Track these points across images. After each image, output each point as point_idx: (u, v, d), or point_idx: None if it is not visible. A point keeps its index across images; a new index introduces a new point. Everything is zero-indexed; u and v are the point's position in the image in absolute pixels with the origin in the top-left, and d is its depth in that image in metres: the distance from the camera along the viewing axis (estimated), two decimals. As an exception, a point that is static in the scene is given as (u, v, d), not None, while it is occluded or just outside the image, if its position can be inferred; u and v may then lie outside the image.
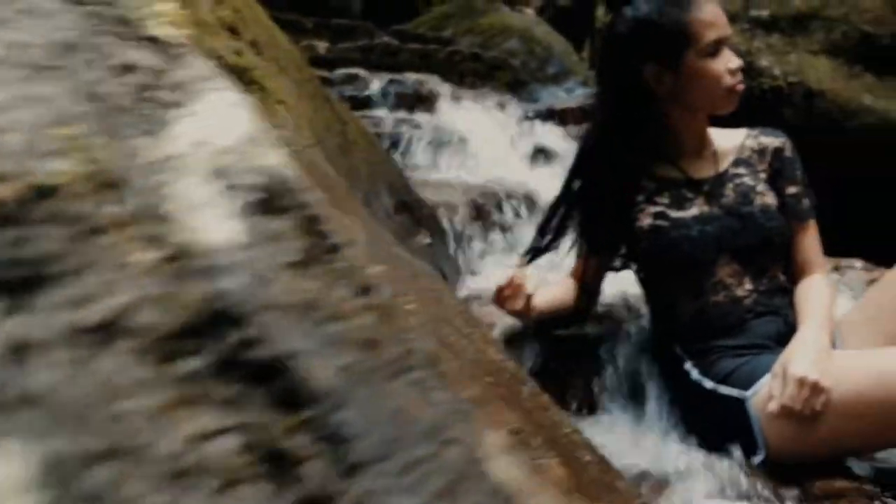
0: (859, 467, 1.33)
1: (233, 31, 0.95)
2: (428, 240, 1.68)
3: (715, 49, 1.40)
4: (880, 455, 1.35)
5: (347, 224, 0.56)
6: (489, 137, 2.69)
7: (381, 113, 2.80)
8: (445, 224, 1.93)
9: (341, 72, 3.16)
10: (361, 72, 3.17)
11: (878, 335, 1.36)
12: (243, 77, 0.87)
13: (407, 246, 1.58)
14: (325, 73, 3.02)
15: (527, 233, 2.05)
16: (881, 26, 3.57)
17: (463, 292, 1.72)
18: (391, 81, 3.06)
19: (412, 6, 6.60)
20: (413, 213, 1.70)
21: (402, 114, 2.77)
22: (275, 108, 0.91)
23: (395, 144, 2.49)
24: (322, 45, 3.71)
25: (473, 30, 4.66)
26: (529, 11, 5.85)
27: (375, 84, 3.02)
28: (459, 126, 2.66)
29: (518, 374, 0.65)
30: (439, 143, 2.54)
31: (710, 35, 1.40)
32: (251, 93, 0.82)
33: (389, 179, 1.64)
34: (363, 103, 2.86)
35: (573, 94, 3.96)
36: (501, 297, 1.47)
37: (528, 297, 1.45)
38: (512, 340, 1.54)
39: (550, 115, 3.24)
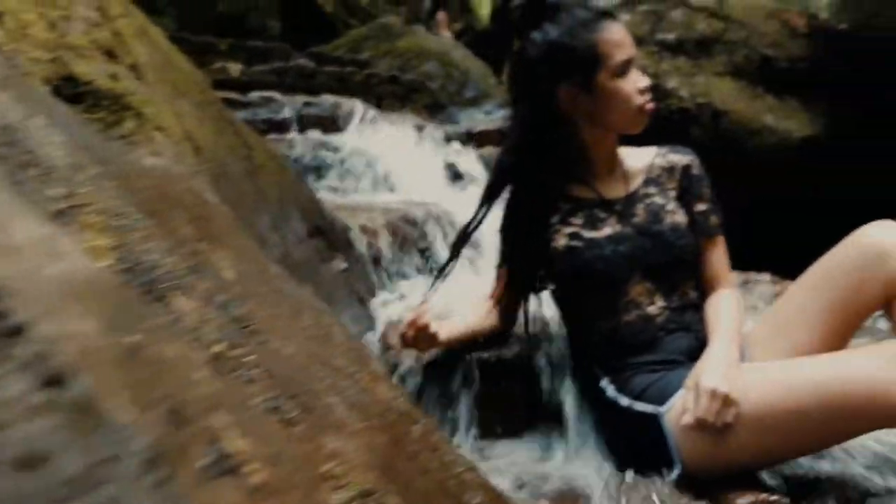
0: (771, 478, 1.36)
1: (110, 54, 0.89)
2: (344, 265, 1.64)
3: (624, 69, 1.43)
4: (791, 465, 1.38)
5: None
6: (407, 160, 2.68)
7: (296, 136, 2.75)
8: (363, 248, 1.90)
9: (255, 94, 3.10)
10: (276, 94, 3.11)
11: (784, 347, 1.40)
12: (117, 102, 0.81)
13: (320, 272, 1.54)
14: (237, 96, 2.95)
15: (445, 255, 2.04)
16: (779, 50, 3.77)
17: (382, 316, 1.69)
18: (307, 104, 3.02)
19: (332, 28, 6.58)
20: (328, 238, 1.66)
21: (318, 136, 2.73)
22: (152, 135, 0.85)
23: (310, 168, 2.44)
24: (236, 68, 3.64)
25: (391, 52, 4.67)
26: (447, 35, 5.92)
27: (290, 107, 2.97)
28: (377, 149, 2.64)
29: (409, 413, 0.61)
30: (356, 165, 2.51)
31: (620, 55, 1.42)
32: (124, 119, 0.76)
33: (301, 204, 1.60)
34: (278, 126, 2.81)
35: (492, 117, 4.01)
36: (406, 340, 1.45)
37: (434, 335, 1.44)
38: (430, 365, 1.51)
39: (469, 138, 3.26)
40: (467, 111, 4.10)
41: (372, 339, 1.56)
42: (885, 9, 3.72)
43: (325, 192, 2.33)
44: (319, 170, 2.46)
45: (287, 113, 2.91)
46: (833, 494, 1.30)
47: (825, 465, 1.39)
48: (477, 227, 1.55)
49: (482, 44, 5.82)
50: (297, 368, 0.48)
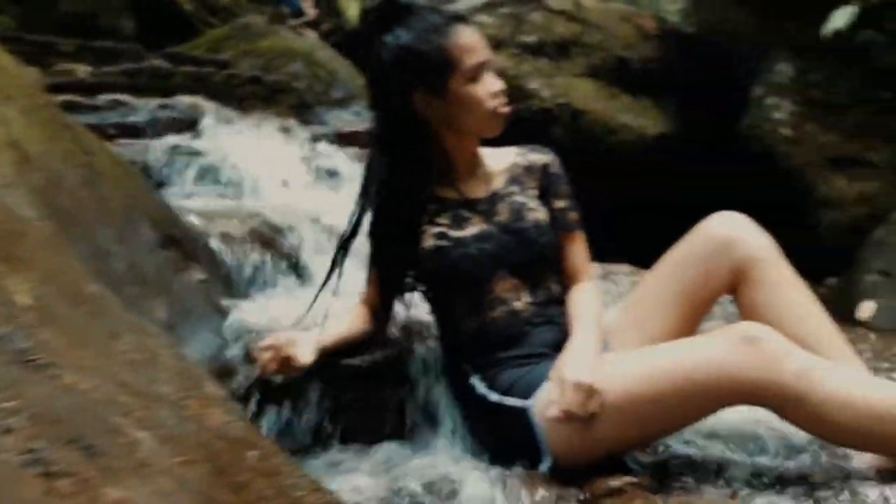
0: (636, 462, 1.41)
1: None
2: (201, 275, 1.56)
3: (477, 73, 1.43)
4: (654, 447, 1.44)
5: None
6: (272, 162, 2.59)
7: (149, 140, 2.59)
8: (224, 256, 1.81)
9: (104, 97, 2.90)
10: (128, 97, 2.93)
11: (641, 336, 1.45)
12: None
13: (174, 284, 1.45)
14: (84, 100, 2.76)
15: (314, 261, 1.99)
16: (633, 52, 3.96)
17: (243, 329, 1.61)
18: (161, 107, 2.87)
19: (191, 28, 6.30)
20: (183, 247, 1.57)
21: (173, 140, 2.59)
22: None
23: (165, 173, 2.31)
24: (83, 70, 3.40)
25: (253, 52, 4.52)
26: (312, 34, 5.81)
27: (143, 110, 2.81)
28: (238, 152, 2.54)
29: (244, 438, 0.57)
30: (215, 170, 2.40)
31: (471, 60, 1.43)
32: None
33: (152, 212, 1.50)
34: (129, 131, 2.64)
35: (360, 118, 3.97)
36: (268, 369, 1.40)
37: (299, 365, 1.40)
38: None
39: (337, 139, 3.21)
40: (335, 112, 4.05)
41: (231, 353, 1.48)
42: (731, 13, 3.97)
43: (182, 199, 2.21)
44: (175, 175, 2.33)
45: (139, 116, 2.75)
46: (692, 470, 1.37)
47: (684, 445, 1.46)
48: (354, 234, 1.51)
49: (351, 44, 5.76)
50: (93, 404, 0.43)
